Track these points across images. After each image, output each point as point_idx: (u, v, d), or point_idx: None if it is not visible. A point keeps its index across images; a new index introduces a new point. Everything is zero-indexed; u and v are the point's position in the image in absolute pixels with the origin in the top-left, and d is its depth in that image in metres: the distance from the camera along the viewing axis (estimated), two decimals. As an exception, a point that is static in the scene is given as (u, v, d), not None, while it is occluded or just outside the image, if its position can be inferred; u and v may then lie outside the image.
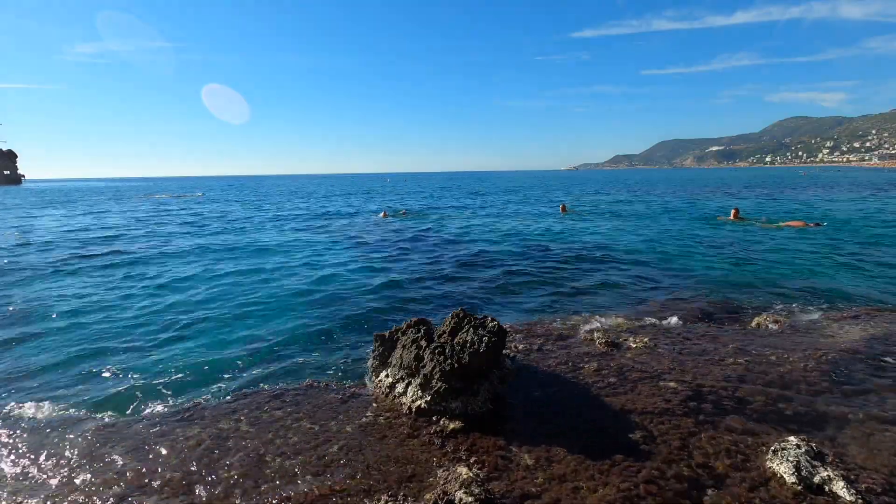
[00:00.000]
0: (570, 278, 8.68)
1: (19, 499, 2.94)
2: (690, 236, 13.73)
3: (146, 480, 3.07)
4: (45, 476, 3.17)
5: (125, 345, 5.66)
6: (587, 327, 5.81)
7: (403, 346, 4.17)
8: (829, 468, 2.89)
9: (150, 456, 3.34)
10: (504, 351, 4.54)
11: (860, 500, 2.66)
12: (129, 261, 11.16)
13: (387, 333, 4.46)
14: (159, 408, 4.10)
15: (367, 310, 6.93)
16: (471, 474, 2.87)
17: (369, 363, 4.49)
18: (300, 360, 5.13)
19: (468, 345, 3.87)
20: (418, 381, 3.86)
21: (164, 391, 4.42)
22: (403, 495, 2.81)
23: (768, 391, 4.00)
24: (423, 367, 3.88)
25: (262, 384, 4.52)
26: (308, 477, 3.03)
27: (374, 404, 4.00)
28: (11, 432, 3.74)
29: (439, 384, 3.72)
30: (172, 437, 3.57)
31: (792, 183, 49.41)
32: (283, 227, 18.61)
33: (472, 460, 3.14)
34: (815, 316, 6.19)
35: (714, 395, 3.96)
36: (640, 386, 4.14)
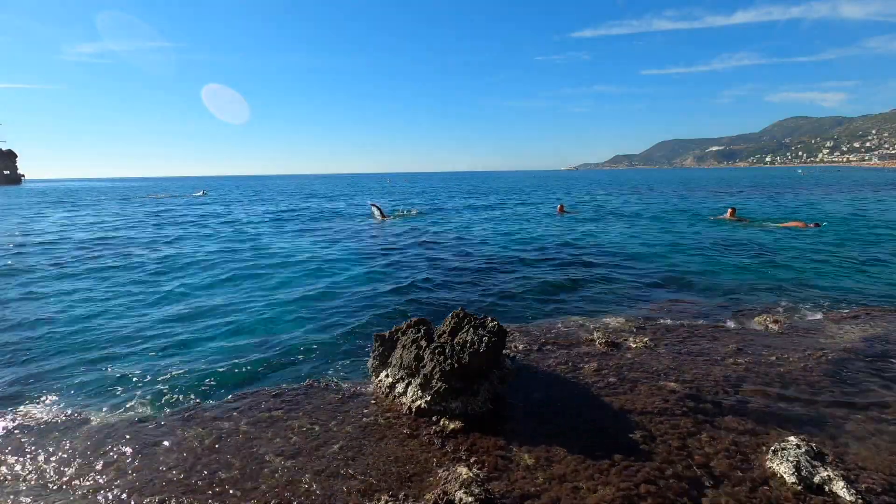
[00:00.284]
0: (569, 278, 8.68)
1: (19, 499, 2.95)
2: (690, 236, 13.73)
3: (146, 480, 3.07)
4: (45, 476, 3.17)
5: (125, 345, 5.65)
6: (587, 327, 5.81)
7: (403, 346, 4.17)
8: (829, 468, 2.89)
9: (150, 456, 3.34)
10: (504, 351, 4.55)
11: (860, 500, 2.67)
12: (130, 262, 11.16)
13: (387, 333, 4.46)
14: (159, 408, 4.10)
15: (366, 310, 6.93)
16: (471, 474, 2.87)
17: (369, 363, 4.49)
18: (300, 360, 5.13)
19: (468, 345, 3.87)
20: (418, 381, 3.86)
21: (165, 391, 4.42)
22: (404, 495, 2.81)
23: (768, 391, 4.01)
24: (423, 367, 3.88)
25: (262, 384, 4.52)
26: (308, 477, 3.03)
27: (374, 404, 4.00)
28: (11, 432, 3.74)
29: (439, 384, 3.72)
30: (172, 438, 3.57)
31: (791, 183, 49.42)
32: (283, 226, 18.61)
33: (472, 460, 3.14)
34: (815, 316, 6.20)
35: (714, 395, 3.96)
36: (640, 386, 4.14)
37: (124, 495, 2.93)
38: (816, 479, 2.81)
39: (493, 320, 4.12)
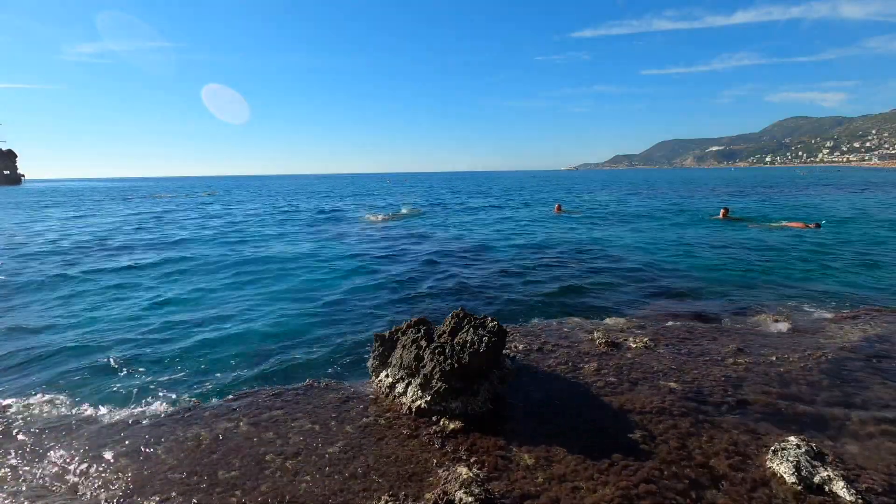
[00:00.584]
0: (569, 278, 8.68)
1: (19, 499, 2.95)
2: (690, 236, 13.73)
3: (146, 481, 3.06)
4: (44, 476, 3.17)
5: (125, 345, 5.66)
6: (587, 327, 5.81)
7: (403, 346, 4.17)
8: (829, 468, 2.89)
9: (150, 456, 3.34)
10: (504, 351, 4.55)
11: (860, 500, 2.66)
12: (130, 262, 11.16)
13: (387, 333, 4.46)
14: (159, 408, 4.09)
15: (366, 310, 6.93)
16: (471, 474, 2.87)
17: (369, 363, 4.49)
18: (300, 360, 5.13)
19: (468, 345, 3.87)
20: (418, 381, 3.86)
21: (164, 391, 4.42)
22: (404, 495, 2.81)
23: (768, 391, 4.01)
24: (423, 367, 3.88)
25: (262, 384, 4.52)
26: (308, 477, 3.03)
27: (374, 404, 4.00)
28: (12, 432, 3.74)
29: (439, 384, 3.72)
30: (172, 438, 3.57)
31: (791, 183, 49.42)
32: (283, 227, 18.61)
33: (472, 460, 3.14)
34: (815, 316, 6.20)
35: (714, 395, 3.96)
36: (640, 386, 4.14)
37: (124, 495, 2.93)
38: (816, 479, 2.81)
39: (492, 320, 4.12)
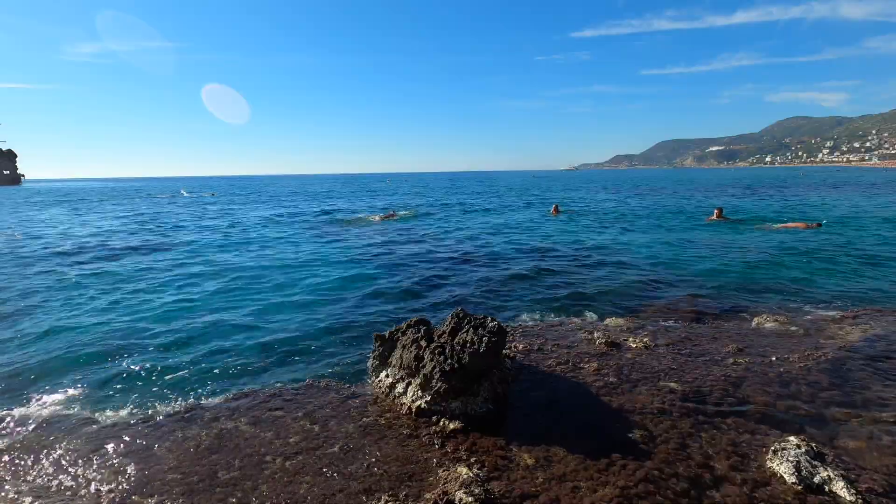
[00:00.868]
0: (569, 278, 8.68)
1: (19, 499, 2.95)
2: (690, 237, 13.73)
3: (146, 481, 3.07)
4: (45, 476, 3.17)
5: (125, 346, 5.65)
6: (587, 327, 5.81)
7: (403, 346, 4.17)
8: (829, 468, 2.89)
9: (150, 456, 3.34)
10: (504, 351, 4.55)
11: (860, 500, 2.67)
12: (130, 263, 11.16)
13: (387, 333, 4.46)
14: (159, 408, 4.10)
15: (366, 310, 6.94)
16: (471, 474, 2.87)
17: (369, 363, 4.49)
18: (300, 360, 5.13)
19: (468, 345, 3.87)
20: (418, 381, 3.86)
21: (165, 391, 4.42)
22: (404, 495, 2.81)
23: (768, 391, 4.01)
24: (423, 367, 3.88)
25: (262, 384, 4.52)
26: (308, 477, 3.03)
27: (374, 404, 4.00)
28: (12, 432, 3.75)
29: (439, 384, 3.72)
30: (172, 438, 3.57)
31: (791, 183, 49.41)
32: (283, 227, 18.62)
33: (472, 460, 3.14)
34: (815, 316, 6.19)
35: (714, 395, 3.96)
36: (640, 386, 4.14)
37: (124, 495, 2.93)
38: (816, 479, 2.81)
39: (493, 320, 4.12)
